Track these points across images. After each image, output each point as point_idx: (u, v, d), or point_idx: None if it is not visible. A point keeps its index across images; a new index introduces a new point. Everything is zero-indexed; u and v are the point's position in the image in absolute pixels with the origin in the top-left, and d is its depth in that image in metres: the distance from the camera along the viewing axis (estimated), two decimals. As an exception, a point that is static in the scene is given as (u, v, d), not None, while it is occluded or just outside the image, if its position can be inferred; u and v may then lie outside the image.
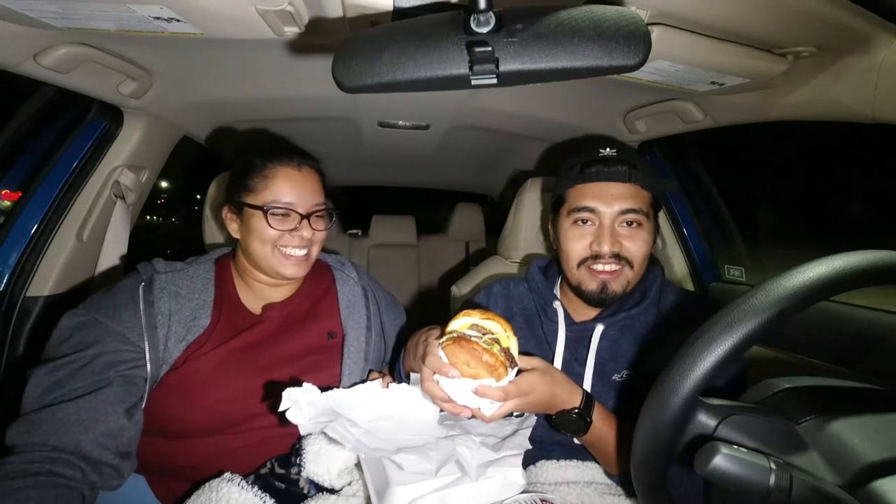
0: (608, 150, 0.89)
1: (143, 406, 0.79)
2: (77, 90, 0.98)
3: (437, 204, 3.18)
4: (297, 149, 0.94)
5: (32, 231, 1.10)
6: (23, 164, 1.12)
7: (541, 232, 1.29)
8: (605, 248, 0.85)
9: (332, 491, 0.79)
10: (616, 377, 0.88)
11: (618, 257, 0.85)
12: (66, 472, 0.68)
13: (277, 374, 0.86)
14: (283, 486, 0.78)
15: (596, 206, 0.86)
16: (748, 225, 1.53)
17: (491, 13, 0.50)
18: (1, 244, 1.08)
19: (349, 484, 0.81)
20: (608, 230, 0.85)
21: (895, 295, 0.97)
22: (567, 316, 0.93)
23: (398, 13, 0.71)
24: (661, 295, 0.92)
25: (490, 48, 0.50)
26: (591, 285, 0.87)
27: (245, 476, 0.78)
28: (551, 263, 1.04)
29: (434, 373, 0.68)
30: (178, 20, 0.73)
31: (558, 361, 0.90)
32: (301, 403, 0.68)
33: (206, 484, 0.76)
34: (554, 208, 0.97)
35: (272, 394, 0.83)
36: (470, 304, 1.03)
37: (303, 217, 0.88)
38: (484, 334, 0.67)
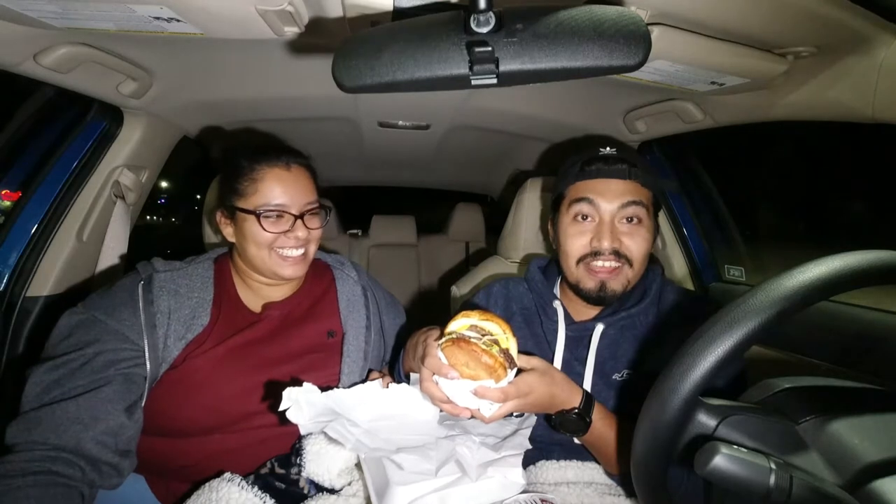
0: (608, 148, 0.89)
1: (143, 404, 0.79)
2: (77, 90, 0.98)
3: (437, 204, 3.18)
4: (285, 147, 0.93)
5: (32, 231, 1.10)
6: (23, 164, 1.12)
7: (540, 232, 1.29)
8: (605, 244, 0.84)
9: (332, 491, 0.79)
10: (616, 376, 0.88)
11: (617, 254, 0.85)
12: (65, 470, 0.68)
13: (277, 372, 0.86)
14: (283, 486, 0.78)
15: (596, 199, 0.86)
16: (748, 225, 1.53)
17: (491, 13, 0.50)
18: (1, 244, 1.08)
19: (349, 484, 0.81)
20: (608, 226, 0.85)
21: (895, 295, 0.97)
22: (567, 315, 0.93)
23: (398, 13, 0.71)
24: (662, 294, 0.92)
25: (490, 48, 0.50)
26: (590, 283, 0.87)
27: (245, 476, 0.77)
28: (551, 263, 1.04)
29: (433, 374, 0.68)
30: (178, 20, 0.73)
31: (558, 361, 0.90)
32: (301, 403, 0.68)
33: (206, 484, 0.76)
34: (553, 206, 0.97)
35: (272, 393, 0.83)
36: (469, 304, 1.03)
37: (296, 217, 0.88)
38: (483, 335, 0.67)
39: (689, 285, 1.45)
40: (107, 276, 1.21)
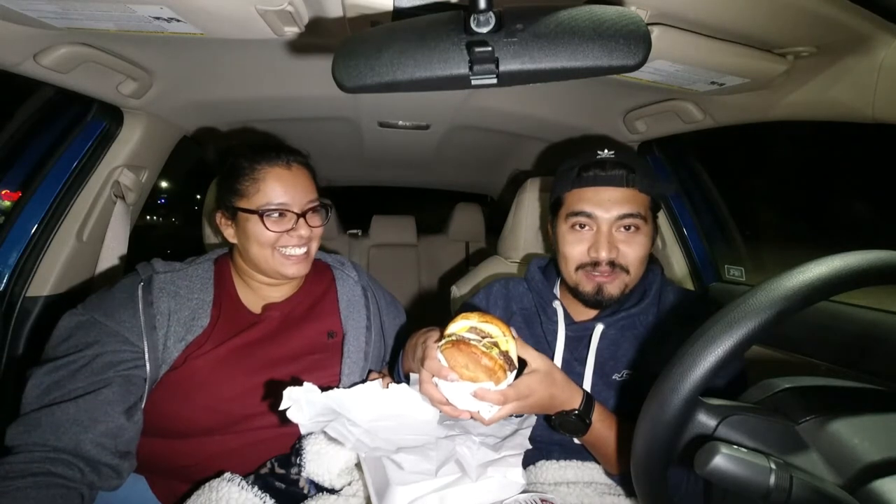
0: (606, 151, 0.88)
1: (143, 406, 0.79)
2: (77, 90, 0.98)
3: (437, 204, 3.18)
4: (284, 146, 0.92)
5: (32, 231, 1.10)
6: (23, 164, 1.12)
7: (540, 232, 1.29)
8: (603, 255, 0.84)
9: (332, 491, 0.79)
10: (616, 377, 0.88)
11: (613, 265, 0.85)
12: (65, 472, 0.68)
13: (277, 373, 0.86)
14: (283, 486, 0.78)
15: (593, 211, 0.85)
16: (748, 225, 1.53)
17: (491, 13, 0.50)
18: (1, 244, 1.08)
19: (349, 484, 0.81)
20: (605, 236, 0.85)
21: (895, 295, 0.97)
22: (567, 315, 0.93)
23: (398, 13, 0.71)
24: (662, 294, 0.92)
25: (490, 48, 0.50)
26: (588, 287, 0.88)
27: (245, 476, 0.77)
28: (551, 263, 1.04)
29: (433, 376, 0.68)
30: (178, 20, 0.73)
31: (558, 361, 0.90)
32: (301, 403, 0.68)
33: (206, 484, 0.76)
34: (552, 210, 0.97)
35: (272, 393, 0.83)
36: (469, 305, 1.03)
37: (298, 216, 0.88)
38: (483, 337, 0.67)
39: (689, 285, 1.44)
40: (107, 276, 1.21)
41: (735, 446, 0.42)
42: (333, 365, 0.93)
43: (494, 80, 0.53)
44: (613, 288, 0.86)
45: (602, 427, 0.77)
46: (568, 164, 0.93)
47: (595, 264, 0.86)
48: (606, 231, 0.85)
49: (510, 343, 0.68)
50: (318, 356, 0.92)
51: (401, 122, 1.51)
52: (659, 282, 0.93)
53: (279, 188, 0.87)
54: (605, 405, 0.81)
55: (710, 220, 1.48)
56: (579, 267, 0.88)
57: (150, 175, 1.32)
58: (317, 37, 0.83)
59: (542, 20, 0.51)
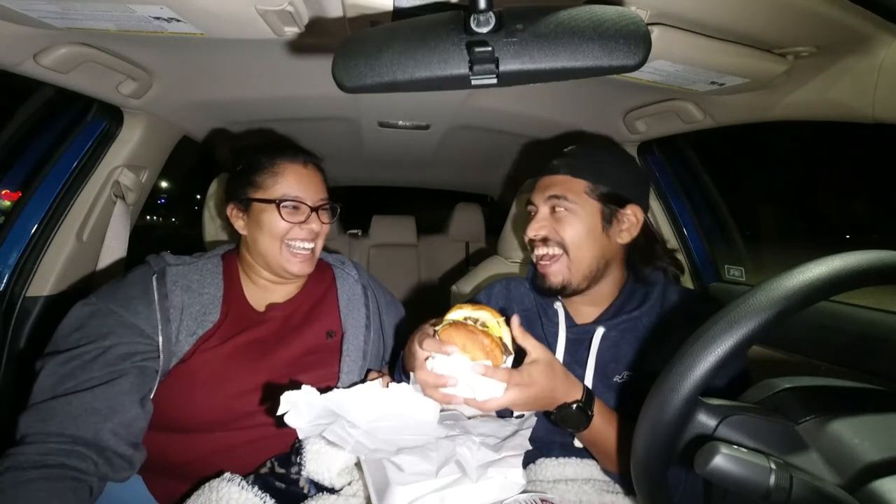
0: (570, 148, 0.95)
1: (152, 397, 0.79)
2: (77, 90, 0.98)
3: (437, 204, 3.18)
4: (301, 147, 0.97)
5: (32, 231, 1.10)
6: (23, 164, 1.12)
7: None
8: (532, 232, 0.91)
9: (332, 491, 0.79)
10: (617, 379, 0.87)
11: (546, 241, 0.90)
12: (78, 464, 0.68)
13: (278, 371, 0.87)
14: (283, 485, 0.78)
15: (533, 196, 0.94)
16: (748, 225, 1.53)
17: (491, 13, 0.50)
18: (1, 244, 1.08)
19: (349, 484, 0.81)
20: (537, 216, 0.92)
21: (895, 295, 0.97)
22: (568, 317, 0.93)
23: (398, 13, 0.71)
24: (665, 297, 0.92)
25: (490, 48, 0.50)
26: (537, 278, 0.94)
27: (245, 476, 0.77)
28: None
29: (426, 359, 0.68)
30: (178, 20, 0.73)
31: (558, 362, 0.90)
32: (300, 406, 0.68)
33: (206, 484, 0.76)
34: None
35: (272, 393, 0.83)
36: (468, 302, 1.03)
37: (312, 210, 0.91)
38: (475, 322, 0.70)
39: (689, 285, 1.45)
40: (107, 276, 1.21)
41: (735, 446, 0.42)
42: (332, 364, 0.93)
43: (494, 80, 0.53)
44: (553, 274, 0.90)
45: (602, 422, 0.76)
46: None
47: (533, 242, 0.93)
48: (540, 213, 0.92)
49: (503, 329, 0.71)
50: (317, 356, 0.92)
51: (401, 122, 1.51)
52: (662, 284, 0.92)
53: (295, 183, 0.90)
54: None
55: (710, 220, 1.48)
56: (531, 249, 0.95)
57: (150, 175, 1.32)
58: (317, 37, 0.84)
59: (542, 20, 0.51)
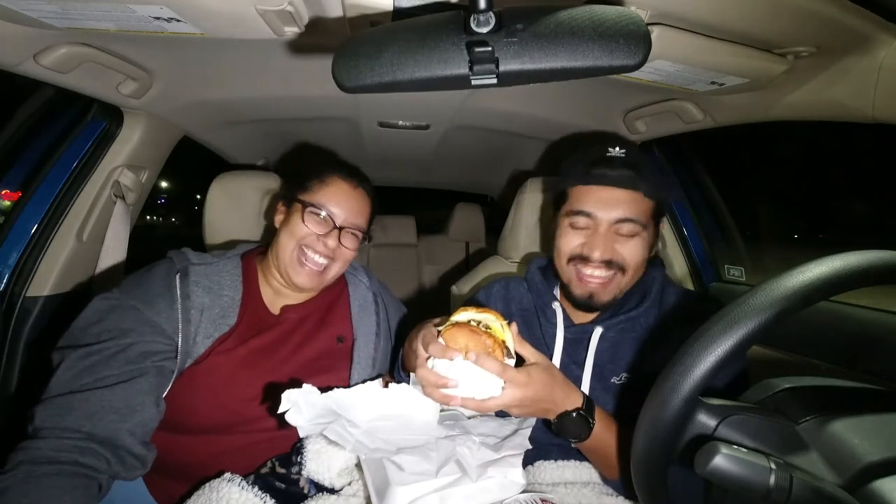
0: (616, 149, 0.86)
1: (165, 397, 0.79)
2: (77, 90, 0.98)
3: (437, 204, 3.18)
4: (362, 174, 0.99)
5: (32, 231, 1.10)
6: (23, 164, 1.12)
7: (539, 232, 1.29)
8: (596, 255, 0.84)
9: (332, 491, 0.79)
10: (615, 380, 0.87)
11: (609, 263, 0.84)
12: (92, 462, 0.68)
13: (286, 375, 0.87)
14: (283, 486, 0.78)
15: (594, 210, 0.85)
16: (748, 225, 1.53)
17: (491, 13, 0.50)
18: (1, 244, 1.08)
19: (349, 484, 0.81)
20: (602, 236, 0.84)
21: (895, 295, 0.97)
22: (566, 317, 0.93)
23: (398, 13, 0.71)
24: (663, 295, 0.91)
25: (490, 48, 0.50)
26: (579, 290, 0.88)
27: (245, 476, 0.77)
28: (551, 264, 1.04)
29: (428, 358, 0.68)
30: (178, 20, 0.73)
31: (556, 362, 0.90)
32: (301, 405, 0.68)
33: (207, 484, 0.76)
34: (555, 202, 0.96)
35: (277, 395, 0.83)
36: (468, 303, 1.03)
37: (335, 227, 0.90)
38: (478, 324, 0.70)
39: (689, 285, 1.44)
40: (107, 276, 1.21)
41: (735, 446, 0.42)
42: (342, 369, 0.93)
43: (494, 80, 0.53)
44: (606, 295, 0.86)
45: (602, 429, 0.75)
46: (577, 157, 0.91)
47: (587, 260, 0.85)
48: (604, 231, 0.84)
49: (506, 333, 0.71)
50: (328, 361, 0.93)
51: (401, 122, 1.51)
52: (660, 283, 0.92)
53: (335, 197, 0.92)
54: (604, 408, 0.80)
55: (710, 220, 1.48)
56: (570, 259, 0.88)
57: (150, 175, 1.32)
58: (317, 37, 0.83)
59: (542, 20, 0.51)
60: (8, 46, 0.80)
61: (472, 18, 0.50)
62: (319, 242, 0.90)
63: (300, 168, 1.02)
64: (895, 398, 0.53)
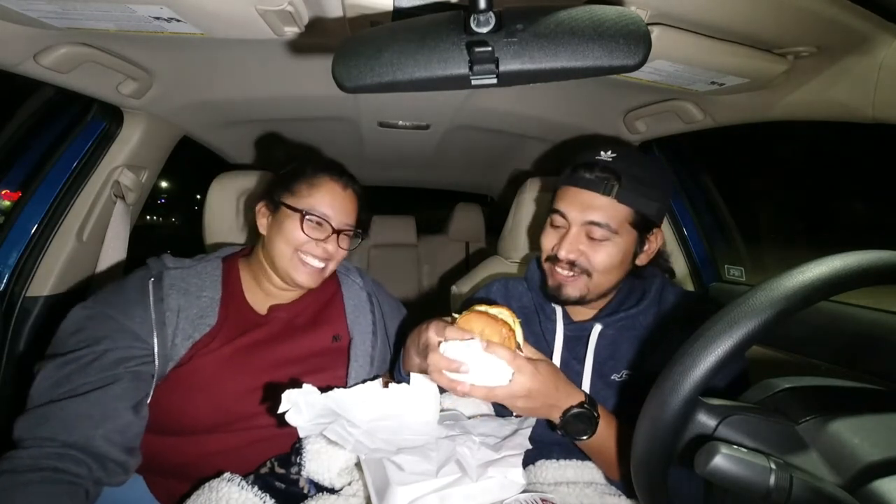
0: (607, 153, 0.86)
1: (149, 402, 0.79)
2: (77, 90, 0.98)
3: (437, 204, 3.18)
4: (347, 171, 0.98)
5: (32, 231, 1.10)
6: (23, 164, 1.12)
7: (540, 232, 1.29)
8: (562, 253, 0.86)
9: (332, 491, 0.79)
10: (615, 377, 0.88)
11: (573, 265, 0.85)
12: (72, 468, 0.68)
13: (281, 374, 0.87)
14: (282, 485, 0.78)
15: (566, 211, 0.86)
16: (748, 225, 1.53)
17: (491, 13, 0.50)
18: (1, 244, 1.08)
19: (349, 484, 0.81)
20: (571, 237, 0.85)
21: (895, 295, 0.97)
22: (566, 315, 0.93)
23: (398, 13, 0.71)
24: (662, 296, 0.92)
25: (490, 48, 0.50)
26: (550, 282, 0.90)
27: (245, 476, 0.77)
28: None
29: (439, 343, 0.69)
30: (178, 20, 0.73)
31: (557, 360, 0.90)
32: (300, 405, 0.68)
33: (206, 484, 0.76)
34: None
35: (274, 394, 0.84)
36: (472, 301, 1.03)
37: (333, 231, 0.90)
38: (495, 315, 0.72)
39: (689, 285, 1.44)
40: (107, 276, 1.21)
41: (735, 446, 0.42)
42: (338, 368, 0.93)
43: (494, 80, 0.53)
44: (572, 290, 0.87)
45: (605, 427, 0.76)
46: (572, 159, 0.92)
47: (557, 259, 0.87)
48: (574, 232, 0.85)
49: (517, 329, 0.72)
50: (323, 359, 0.92)
51: (401, 122, 1.51)
52: (659, 283, 0.93)
53: (328, 200, 0.91)
54: (605, 405, 0.80)
55: (710, 220, 1.48)
56: (547, 259, 0.90)
57: (150, 175, 1.32)
58: (317, 37, 0.83)
59: (542, 20, 0.51)
60: (8, 46, 0.80)
61: (472, 18, 0.50)
62: (318, 248, 0.90)
63: (281, 168, 1.00)
64: (895, 398, 0.53)
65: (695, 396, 0.46)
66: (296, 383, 0.69)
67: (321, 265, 0.91)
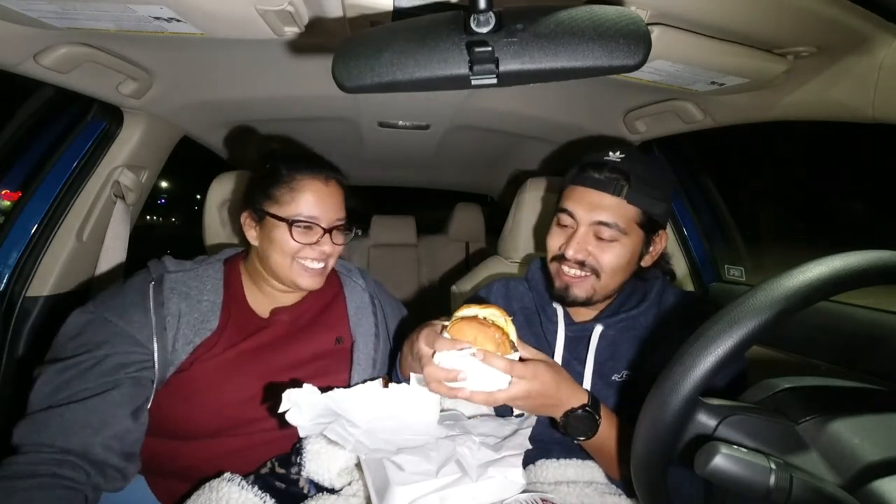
0: (616, 154, 0.86)
1: (149, 407, 0.79)
2: (77, 90, 0.98)
3: (437, 204, 3.18)
4: (325, 161, 0.94)
5: (32, 231, 1.10)
6: (23, 163, 1.12)
7: (541, 232, 1.29)
8: (570, 253, 0.85)
9: (332, 491, 0.79)
10: (616, 377, 0.88)
11: (582, 265, 0.85)
12: (70, 474, 0.68)
13: (284, 377, 0.86)
14: (283, 485, 0.78)
15: (574, 210, 0.86)
16: (748, 225, 1.53)
17: (491, 13, 0.50)
18: (1, 244, 1.08)
19: (349, 484, 0.81)
20: (579, 237, 0.85)
21: (895, 295, 0.97)
22: (567, 315, 0.93)
23: (398, 13, 0.71)
24: (662, 297, 0.92)
25: (490, 48, 0.50)
26: (557, 283, 0.90)
27: (245, 476, 0.77)
28: None
29: (433, 354, 0.68)
30: (178, 20, 0.73)
31: (557, 360, 0.90)
32: (301, 405, 0.68)
33: (207, 484, 0.76)
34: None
35: (276, 397, 0.83)
36: (468, 301, 1.03)
37: (325, 231, 0.88)
38: (485, 319, 0.71)
39: (689, 285, 1.45)
40: (107, 276, 1.21)
41: (735, 446, 0.42)
42: (341, 371, 0.93)
43: (494, 80, 0.53)
44: (579, 290, 0.87)
45: (607, 427, 0.76)
46: (579, 158, 0.93)
47: (564, 258, 0.87)
48: (582, 232, 0.85)
49: (510, 327, 0.71)
50: (326, 362, 0.92)
51: (401, 122, 1.51)
52: (660, 284, 0.93)
53: (313, 201, 0.87)
54: (607, 405, 0.80)
55: (710, 220, 1.48)
56: (553, 258, 0.90)
57: (150, 175, 1.32)
58: (317, 37, 0.83)
59: (542, 20, 0.51)
60: (8, 46, 0.80)
61: (472, 18, 0.50)
62: (314, 251, 0.88)
63: (259, 168, 0.94)
64: (895, 398, 0.53)
65: (695, 396, 0.46)
66: (297, 385, 0.69)
67: (321, 265, 0.91)
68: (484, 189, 2.55)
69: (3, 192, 1.15)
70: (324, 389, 0.69)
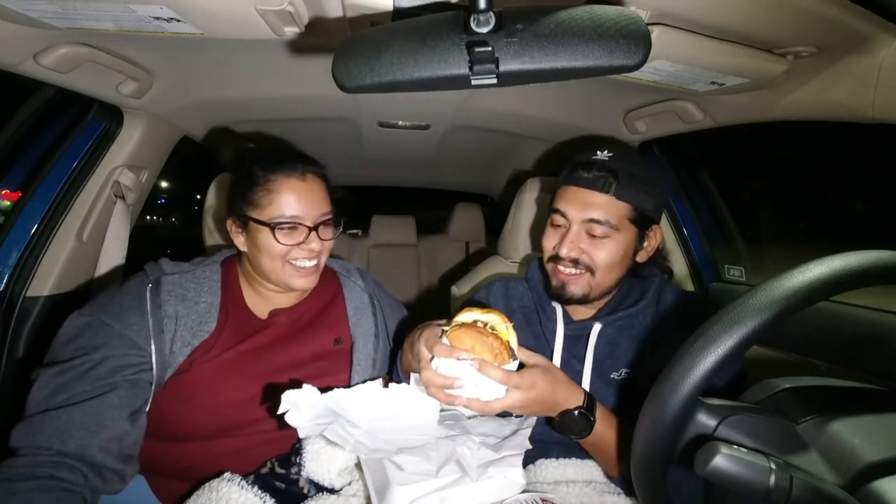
0: (604, 153, 0.87)
1: (147, 409, 0.79)
2: (77, 90, 0.98)
3: (437, 204, 3.17)
4: (300, 154, 0.91)
5: (32, 231, 1.10)
6: (23, 163, 1.12)
7: (540, 232, 1.29)
8: (563, 252, 0.86)
9: (332, 491, 0.79)
10: (615, 375, 0.88)
11: (576, 262, 0.86)
12: (68, 476, 0.68)
13: (284, 378, 0.86)
14: (283, 485, 0.78)
15: (566, 210, 0.87)
16: (748, 225, 1.53)
17: (491, 13, 0.50)
18: (1, 244, 1.08)
19: (349, 484, 0.81)
20: (572, 235, 0.86)
21: (895, 295, 0.97)
22: (566, 314, 0.94)
23: (398, 13, 0.71)
24: (661, 296, 0.92)
25: (490, 48, 0.50)
26: (553, 281, 0.90)
27: (245, 476, 0.77)
28: None
29: (432, 359, 0.69)
30: (178, 20, 0.73)
31: (557, 359, 0.91)
32: (301, 405, 0.68)
33: (207, 484, 0.76)
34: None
35: (276, 398, 0.83)
36: (469, 303, 1.03)
37: (310, 229, 0.86)
38: (485, 325, 0.70)
39: (689, 285, 1.44)
40: (107, 276, 1.21)
41: (735, 446, 0.42)
42: (341, 371, 0.93)
43: (494, 80, 0.53)
44: (575, 288, 0.88)
45: (603, 426, 0.77)
46: (571, 159, 0.93)
47: (560, 258, 0.88)
48: (575, 230, 0.86)
49: (511, 333, 0.71)
50: (326, 363, 0.92)
51: (401, 122, 1.51)
52: (658, 283, 0.93)
53: (293, 200, 0.85)
54: (605, 404, 0.81)
55: (710, 220, 1.48)
56: (549, 259, 0.91)
57: (150, 175, 1.32)
58: (317, 37, 0.83)
59: (542, 20, 0.51)
60: (8, 46, 0.80)
61: (472, 18, 0.50)
62: (303, 250, 0.87)
63: (235, 171, 0.92)
64: (895, 398, 0.53)
65: (695, 396, 0.46)
66: (297, 386, 0.69)
67: (313, 263, 0.89)
68: (484, 189, 2.55)
69: (3, 192, 1.15)
70: (323, 390, 0.69)
